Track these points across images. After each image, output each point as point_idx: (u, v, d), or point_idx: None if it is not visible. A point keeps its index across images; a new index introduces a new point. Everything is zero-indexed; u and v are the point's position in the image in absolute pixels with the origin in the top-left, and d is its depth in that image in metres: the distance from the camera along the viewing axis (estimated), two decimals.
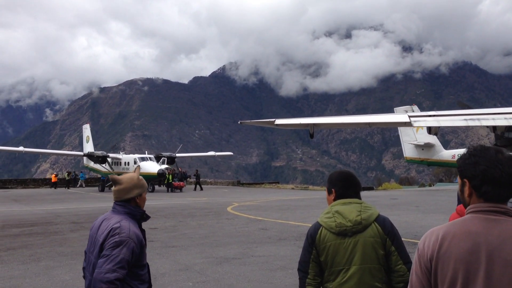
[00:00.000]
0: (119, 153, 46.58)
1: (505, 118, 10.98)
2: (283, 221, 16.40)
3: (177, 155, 46.86)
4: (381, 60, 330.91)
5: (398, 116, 12.38)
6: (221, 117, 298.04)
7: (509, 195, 2.05)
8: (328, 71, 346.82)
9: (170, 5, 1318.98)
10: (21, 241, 12.84)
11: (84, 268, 3.59)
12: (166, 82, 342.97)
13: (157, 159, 42.89)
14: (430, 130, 12.52)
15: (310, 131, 12.47)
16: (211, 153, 58.84)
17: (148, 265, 3.54)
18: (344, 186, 3.31)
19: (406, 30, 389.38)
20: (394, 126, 13.65)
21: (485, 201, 2.06)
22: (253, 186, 49.29)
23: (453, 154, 32.41)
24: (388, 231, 3.13)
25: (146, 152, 47.32)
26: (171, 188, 39.67)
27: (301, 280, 3.24)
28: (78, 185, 49.46)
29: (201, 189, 41.59)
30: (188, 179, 44.90)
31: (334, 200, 3.33)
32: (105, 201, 28.30)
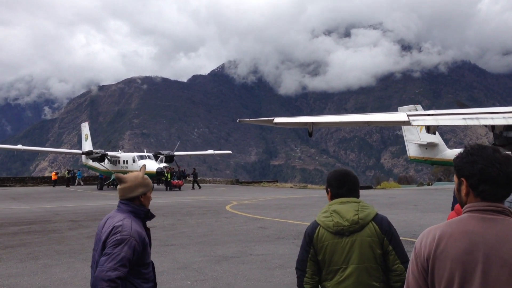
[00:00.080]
0: (118, 151, 46.54)
1: (504, 117, 10.99)
2: (282, 219, 16.41)
3: (176, 153, 46.85)
4: (380, 59, 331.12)
5: (397, 115, 12.39)
6: (220, 116, 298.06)
7: (506, 194, 2.05)
8: (327, 69, 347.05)
9: (169, 3, 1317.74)
10: (20, 239, 12.84)
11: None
12: (165, 80, 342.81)
13: (156, 157, 42.90)
14: (428, 129, 12.52)
15: (309, 130, 12.47)
16: (210, 151, 58.84)
17: (153, 264, 3.56)
18: (337, 186, 3.31)
19: (405, 29, 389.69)
20: (393, 125, 13.67)
21: (482, 200, 2.06)
22: (252, 185, 49.31)
23: (456, 153, 32.53)
24: (385, 231, 3.13)
25: (145, 150, 47.21)
26: (170, 186, 39.67)
27: (299, 278, 3.25)
28: (76, 184, 49.43)
29: (199, 187, 41.61)
30: (187, 177, 44.90)
31: (331, 199, 3.34)
32: (104, 200, 28.28)
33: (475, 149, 2.10)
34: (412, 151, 35.04)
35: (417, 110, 25.18)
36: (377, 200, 24.00)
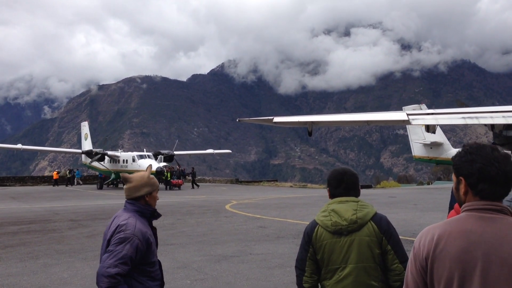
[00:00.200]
0: (118, 150, 46.56)
1: (503, 116, 10.98)
2: (282, 219, 16.41)
3: (176, 152, 46.85)
4: (380, 58, 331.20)
5: (396, 114, 12.37)
6: (220, 115, 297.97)
7: (505, 193, 2.04)
8: (326, 69, 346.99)
9: (169, 3, 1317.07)
10: (19, 238, 12.83)
11: None
12: (164, 79, 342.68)
13: (156, 157, 42.91)
14: (428, 128, 12.52)
15: (308, 129, 12.46)
16: (210, 151, 58.86)
17: (160, 263, 3.62)
18: (335, 185, 3.31)
19: (405, 28, 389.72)
20: (393, 124, 13.65)
21: (481, 199, 2.05)
22: (252, 184, 49.34)
23: None
24: (384, 230, 3.12)
25: (144, 149, 47.25)
26: (170, 185, 39.68)
27: (298, 277, 3.26)
28: (75, 183, 49.42)
29: (198, 186, 41.60)
30: (187, 176, 44.92)
31: (330, 198, 3.34)
32: (103, 199, 28.28)
33: (474, 148, 2.09)
34: (417, 150, 35.09)
35: (421, 109, 25.14)
36: (376, 199, 24.01)
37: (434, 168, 71.08)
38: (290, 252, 10.04)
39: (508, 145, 12.49)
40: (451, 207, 5.64)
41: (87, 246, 11.39)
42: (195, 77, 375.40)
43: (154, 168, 37.08)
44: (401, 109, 27.15)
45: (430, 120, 11.77)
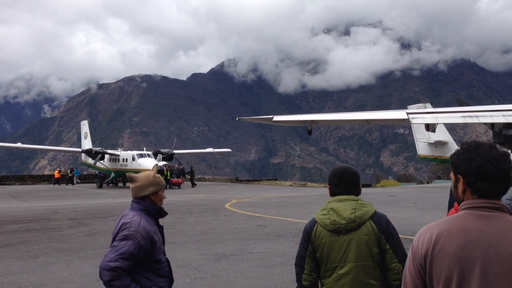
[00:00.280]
0: (117, 149, 46.55)
1: (503, 115, 10.98)
2: (281, 218, 16.41)
3: (175, 151, 46.84)
4: (380, 57, 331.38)
5: (396, 112, 12.36)
6: (220, 114, 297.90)
7: (503, 191, 2.04)
8: (326, 68, 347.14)
9: (169, 2, 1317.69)
10: (19, 237, 12.83)
11: None
12: (164, 78, 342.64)
13: (156, 155, 42.91)
14: (428, 127, 12.51)
15: (308, 128, 12.46)
16: (210, 149, 58.82)
17: (168, 260, 3.69)
18: (335, 183, 3.31)
19: (404, 27, 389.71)
20: (393, 123, 13.64)
21: (479, 197, 2.05)
22: (251, 183, 49.35)
23: None
24: (383, 229, 3.11)
25: (144, 148, 47.25)
26: (169, 184, 39.68)
27: (298, 275, 3.27)
28: (75, 182, 49.39)
29: (195, 185, 41.55)
30: (186, 175, 44.93)
31: (331, 196, 3.33)
32: (103, 198, 28.28)
33: (472, 146, 2.09)
34: (422, 149, 35.06)
35: (426, 108, 25.10)
36: (376, 198, 24.01)
37: (434, 167, 71.11)
38: (290, 250, 10.04)
39: (508, 143, 12.50)
40: (450, 206, 5.64)
41: (87, 245, 11.39)
42: (195, 76, 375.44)
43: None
44: (401, 108, 27.05)
45: (430, 119, 11.76)
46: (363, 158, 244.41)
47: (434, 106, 26.16)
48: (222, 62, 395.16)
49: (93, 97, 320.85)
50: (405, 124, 12.83)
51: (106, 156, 43.40)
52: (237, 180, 52.00)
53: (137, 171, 40.83)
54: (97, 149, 44.07)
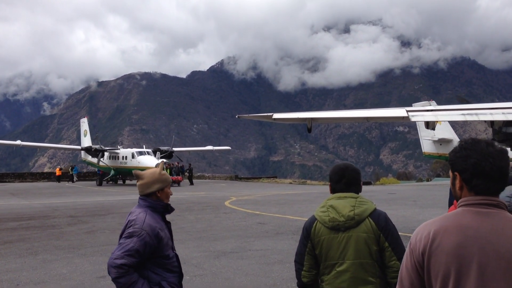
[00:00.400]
0: (117, 147, 46.55)
1: (503, 113, 10.97)
2: (281, 215, 16.42)
3: (175, 149, 46.82)
4: (380, 55, 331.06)
5: (396, 110, 12.33)
6: (219, 112, 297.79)
7: (499, 188, 2.04)
8: (326, 66, 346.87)
9: None
10: (18, 234, 12.84)
11: None
12: (164, 76, 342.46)
13: (155, 153, 42.90)
14: (427, 124, 12.50)
15: (308, 126, 12.44)
16: (209, 147, 58.77)
17: (177, 256, 3.74)
18: (335, 180, 3.30)
19: (404, 25, 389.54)
20: (392, 120, 13.64)
21: (476, 194, 2.05)
22: (251, 181, 49.33)
23: None
24: (382, 227, 3.11)
25: (144, 146, 47.23)
26: None
27: (297, 271, 3.28)
28: (74, 180, 49.36)
29: (192, 183, 41.50)
30: (186, 173, 44.92)
31: (331, 193, 3.33)
32: (103, 195, 28.29)
33: (469, 143, 2.09)
34: (427, 147, 35.07)
35: (430, 106, 25.05)
36: (376, 196, 24.02)
37: (433, 165, 71.11)
38: (289, 248, 10.04)
39: (508, 141, 12.49)
40: (450, 203, 5.65)
41: (86, 242, 11.40)
42: (194, 74, 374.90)
43: (153, 164, 37.05)
44: (400, 106, 27.07)
45: (430, 116, 11.76)
46: (363, 156, 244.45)
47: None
48: (222, 59, 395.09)
49: (92, 95, 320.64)
50: (405, 122, 12.82)
51: (106, 154, 43.39)
52: (237, 178, 51.97)
53: (136, 169, 40.93)
54: (97, 146, 44.07)
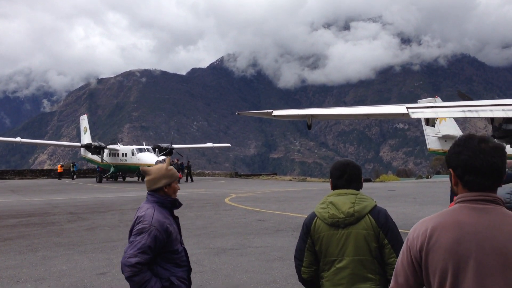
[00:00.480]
0: (117, 144, 46.56)
1: (503, 110, 10.97)
2: (281, 212, 16.42)
3: (174, 146, 46.83)
4: (380, 52, 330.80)
5: (396, 107, 12.33)
6: (219, 109, 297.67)
7: (492, 184, 2.04)
8: (326, 63, 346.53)
9: None
10: (18, 231, 12.84)
11: None
12: (164, 73, 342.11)
13: (154, 150, 42.92)
14: (427, 121, 12.49)
15: (308, 122, 12.44)
16: (209, 144, 58.85)
17: (185, 250, 3.82)
18: (337, 176, 3.30)
19: (404, 22, 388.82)
20: (392, 117, 13.63)
21: (469, 190, 2.06)
22: (251, 178, 49.36)
23: None
24: (381, 224, 3.10)
25: (144, 143, 47.24)
26: None
27: (297, 267, 3.29)
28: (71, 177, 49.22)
29: (192, 180, 41.47)
30: (185, 170, 44.90)
31: (332, 190, 3.32)
32: (103, 192, 28.30)
33: (462, 140, 2.10)
34: (432, 144, 35.08)
35: (436, 102, 24.98)
36: (376, 192, 24.02)
37: (433, 162, 71.15)
38: (289, 245, 10.04)
39: (508, 138, 12.50)
40: (451, 200, 5.65)
41: (86, 239, 11.40)
42: (194, 71, 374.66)
43: (153, 161, 37.08)
44: (400, 103, 27.05)
45: (430, 113, 11.74)
46: (363, 153, 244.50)
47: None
48: (222, 57, 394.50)
49: (92, 92, 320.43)
50: (405, 118, 12.82)
51: (106, 151, 43.40)
52: (237, 175, 52.00)
53: (136, 166, 40.81)
54: (97, 143, 44.07)
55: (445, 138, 33.60)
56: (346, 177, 3.26)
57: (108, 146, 43.74)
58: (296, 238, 3.48)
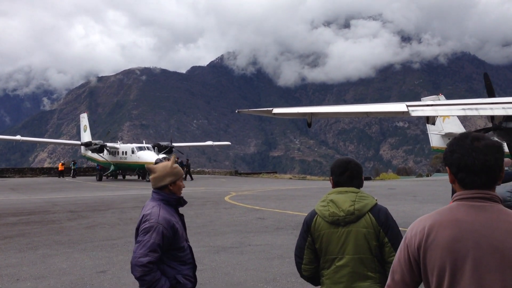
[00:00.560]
0: (117, 142, 46.54)
1: (503, 108, 10.95)
2: (281, 210, 16.42)
3: (174, 144, 46.82)
4: (380, 50, 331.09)
5: (396, 105, 12.31)
6: (219, 107, 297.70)
7: (485, 182, 2.03)
8: (326, 61, 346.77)
9: None
10: (18, 229, 12.84)
11: None
12: (164, 71, 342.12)
13: (154, 148, 42.91)
14: (428, 119, 12.48)
15: (308, 120, 12.41)
16: (209, 142, 58.79)
17: (190, 247, 3.80)
18: (339, 173, 3.28)
19: (405, 20, 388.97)
20: (392, 115, 13.63)
21: (463, 188, 2.07)
22: (251, 176, 49.38)
23: None
24: (382, 222, 3.10)
25: (143, 141, 47.22)
26: None
27: (298, 265, 3.30)
28: (71, 174, 49.21)
29: (192, 178, 41.43)
30: (185, 168, 44.89)
31: (333, 188, 3.31)
32: (103, 190, 28.31)
33: (457, 138, 2.12)
34: (435, 141, 35.07)
35: (439, 100, 24.92)
36: (376, 191, 24.03)
37: (433, 160, 71.17)
38: (289, 243, 10.04)
39: (507, 136, 12.48)
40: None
41: (86, 237, 11.40)
42: (194, 69, 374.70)
43: (153, 160, 37.06)
44: (400, 101, 27.03)
45: (430, 111, 11.73)
46: (363, 151, 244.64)
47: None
48: (222, 55, 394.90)
49: (92, 90, 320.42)
50: (405, 117, 12.79)
51: (106, 149, 43.39)
52: (237, 173, 51.99)
53: (136, 164, 40.66)
54: (97, 141, 44.06)
55: (448, 136, 33.56)
56: (349, 173, 3.25)
57: (108, 144, 43.73)
58: (296, 236, 3.48)
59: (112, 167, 42.89)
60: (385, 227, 3.09)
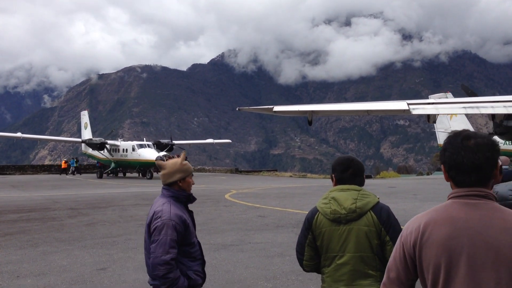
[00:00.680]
0: (117, 139, 46.53)
1: (504, 106, 10.94)
2: (281, 208, 16.42)
3: (175, 142, 46.83)
4: (381, 48, 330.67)
5: (397, 103, 12.29)
6: (220, 105, 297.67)
7: (476, 180, 2.05)
8: (327, 59, 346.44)
9: None
10: (19, 226, 12.85)
11: None
12: (164, 69, 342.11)
13: (155, 145, 42.92)
14: (429, 118, 12.47)
15: (308, 118, 12.40)
16: (210, 140, 58.76)
17: (199, 243, 3.86)
18: (341, 170, 3.27)
19: (406, 18, 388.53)
20: (393, 113, 13.62)
21: (456, 186, 2.09)
22: (251, 174, 49.35)
23: None
24: (383, 221, 3.09)
25: (144, 139, 47.22)
26: None
27: (299, 261, 3.32)
28: (70, 172, 49.20)
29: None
30: None
31: (335, 185, 3.30)
32: (103, 188, 28.31)
33: (450, 137, 2.15)
34: (442, 139, 35.00)
35: (447, 98, 24.81)
36: (376, 189, 24.02)
37: (433, 158, 71.15)
38: (290, 241, 10.04)
39: (509, 134, 12.48)
40: None
41: (87, 234, 11.41)
42: (195, 67, 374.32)
43: (153, 157, 37.12)
44: (401, 99, 26.99)
45: (431, 109, 11.72)
46: (363, 149, 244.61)
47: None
48: (223, 52, 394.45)
49: (93, 87, 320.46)
50: (406, 115, 12.77)
51: (106, 147, 43.41)
52: (237, 171, 52.00)
53: (136, 162, 40.59)
54: (97, 139, 44.08)
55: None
56: (351, 171, 3.25)
57: (108, 142, 43.73)
58: (297, 234, 3.48)
59: (112, 165, 42.91)
60: (387, 226, 3.09)
